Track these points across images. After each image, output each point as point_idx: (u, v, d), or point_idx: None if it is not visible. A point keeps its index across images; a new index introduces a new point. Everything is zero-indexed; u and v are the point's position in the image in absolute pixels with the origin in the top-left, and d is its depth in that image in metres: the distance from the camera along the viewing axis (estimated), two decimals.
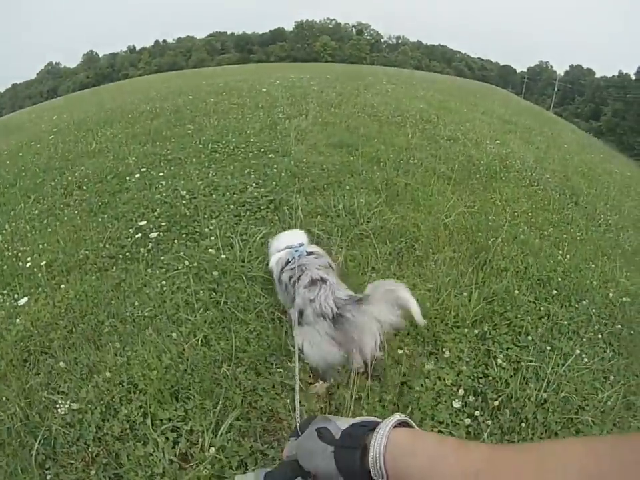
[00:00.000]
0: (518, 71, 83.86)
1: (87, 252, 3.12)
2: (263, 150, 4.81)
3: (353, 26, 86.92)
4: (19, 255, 3.29)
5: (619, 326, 2.65)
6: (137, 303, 2.47)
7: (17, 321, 2.49)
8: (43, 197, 4.44)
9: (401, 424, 0.60)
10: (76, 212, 3.87)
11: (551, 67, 79.42)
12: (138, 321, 2.34)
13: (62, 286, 2.77)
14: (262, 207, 3.50)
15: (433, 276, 2.76)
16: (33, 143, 7.21)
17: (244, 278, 2.59)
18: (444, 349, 2.17)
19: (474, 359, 2.17)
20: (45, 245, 3.35)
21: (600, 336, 2.52)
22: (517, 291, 2.69)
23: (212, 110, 7.18)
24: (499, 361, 2.15)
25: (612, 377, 2.23)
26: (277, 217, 3.34)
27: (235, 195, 3.70)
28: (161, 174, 4.34)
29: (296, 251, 2.05)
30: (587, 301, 2.79)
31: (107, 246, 3.17)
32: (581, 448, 0.42)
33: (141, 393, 1.87)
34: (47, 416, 1.82)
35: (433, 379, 2.01)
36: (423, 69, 58.10)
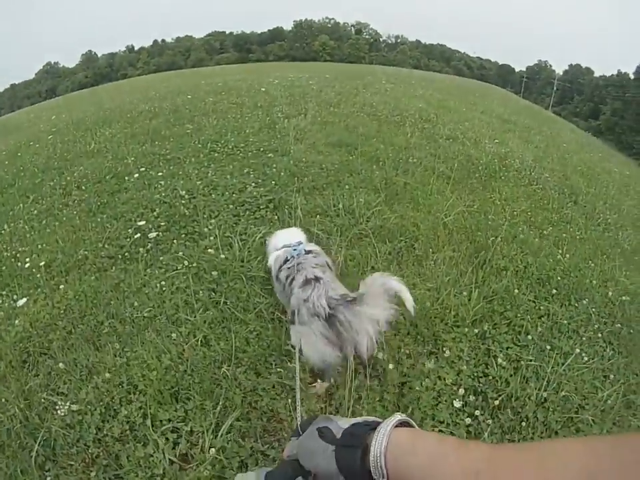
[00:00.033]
0: (517, 70, 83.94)
1: (86, 252, 3.11)
2: (262, 149, 4.80)
3: (351, 25, 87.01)
4: (18, 255, 3.28)
5: (619, 325, 2.65)
6: (136, 304, 2.47)
7: (16, 322, 2.48)
8: (41, 197, 4.43)
9: (402, 424, 0.60)
10: (75, 212, 3.86)
11: (550, 66, 79.53)
12: (137, 322, 2.34)
13: (61, 286, 2.77)
14: (261, 207, 3.50)
15: (432, 275, 2.76)
16: (31, 143, 7.19)
17: (243, 278, 2.59)
18: (444, 348, 2.17)
19: (474, 358, 2.17)
20: (44, 245, 3.34)
21: (600, 335, 2.53)
22: (516, 290, 2.69)
23: (211, 109, 7.17)
24: (499, 360, 2.14)
25: (612, 376, 2.23)
26: (276, 217, 3.34)
27: (234, 195, 3.69)
28: (159, 174, 4.33)
29: (294, 249, 2.04)
30: (586, 300, 2.80)
31: (106, 246, 3.16)
32: (582, 447, 0.41)
33: (141, 394, 1.87)
34: (47, 417, 1.82)
35: (433, 378, 2.01)
36: (421, 68, 58.05)
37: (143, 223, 3.35)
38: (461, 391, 1.94)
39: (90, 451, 1.67)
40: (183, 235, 3.15)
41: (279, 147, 4.84)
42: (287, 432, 1.74)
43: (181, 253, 2.89)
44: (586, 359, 2.28)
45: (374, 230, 3.16)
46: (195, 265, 2.75)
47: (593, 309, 2.72)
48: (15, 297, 2.76)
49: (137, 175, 4.36)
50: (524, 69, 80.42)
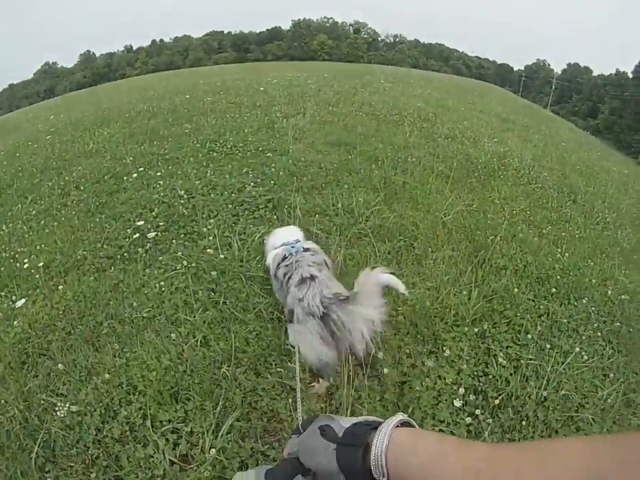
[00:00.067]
0: (515, 69, 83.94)
1: (84, 252, 3.11)
2: (260, 149, 4.80)
3: (350, 24, 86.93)
4: (17, 256, 3.27)
5: (618, 324, 2.65)
6: (135, 304, 2.46)
7: (15, 323, 2.47)
8: (40, 198, 4.42)
9: (403, 424, 0.60)
10: (73, 212, 3.85)
11: (549, 65, 79.43)
12: (136, 322, 2.33)
13: (60, 287, 2.76)
14: (260, 206, 3.49)
15: (432, 274, 2.76)
16: (30, 143, 7.17)
17: (243, 278, 2.59)
18: (444, 348, 2.17)
19: (474, 358, 2.17)
20: (43, 245, 3.33)
21: (599, 334, 2.53)
22: (516, 289, 2.69)
23: (209, 109, 7.16)
24: (499, 359, 2.15)
25: (611, 375, 2.23)
26: (275, 216, 3.33)
27: (233, 194, 3.69)
28: (158, 173, 4.32)
29: (292, 247, 2.05)
30: (586, 298, 2.80)
31: (105, 246, 3.16)
32: (582, 447, 0.42)
33: (141, 395, 1.87)
34: (46, 418, 1.81)
35: (433, 377, 2.01)
36: (420, 67, 57.99)
37: (141, 223, 3.34)
38: (461, 390, 1.94)
39: (90, 452, 1.67)
40: (182, 235, 3.15)
41: (278, 147, 4.84)
42: (287, 432, 1.74)
43: (179, 253, 2.88)
44: (586, 357, 2.28)
45: (373, 229, 3.16)
46: (194, 264, 2.74)
47: (593, 308, 2.73)
48: (13, 297, 2.75)
49: (135, 175, 4.35)
50: (522, 68, 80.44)
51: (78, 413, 1.82)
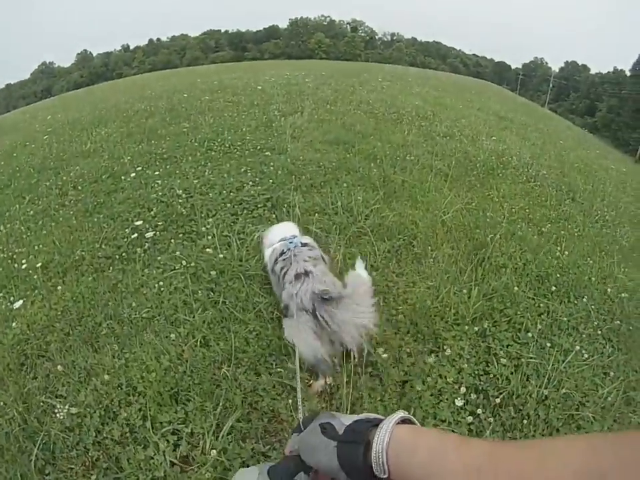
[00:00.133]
0: (513, 67, 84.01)
1: (83, 253, 3.09)
2: (259, 148, 4.79)
3: (347, 23, 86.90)
4: (14, 256, 3.25)
5: (618, 322, 2.65)
6: (134, 304, 2.45)
7: (13, 324, 2.46)
8: (37, 198, 4.40)
9: (404, 421, 0.60)
10: (71, 212, 3.83)
11: (546, 63, 79.55)
12: (136, 323, 2.32)
13: (58, 288, 2.74)
14: (259, 205, 3.49)
15: (432, 273, 2.76)
16: (27, 143, 7.14)
17: (242, 277, 2.57)
18: (445, 347, 2.16)
19: (475, 357, 2.16)
20: (41, 246, 3.32)
21: (599, 332, 2.52)
22: (516, 288, 2.68)
23: (207, 108, 7.15)
24: (500, 358, 2.14)
25: (612, 373, 2.23)
26: (274, 215, 3.32)
27: (231, 193, 3.68)
28: (156, 173, 4.31)
29: (290, 242, 2.05)
30: (585, 297, 2.79)
31: (103, 246, 3.14)
32: (583, 445, 0.41)
33: (140, 396, 1.86)
34: (46, 420, 1.80)
35: (434, 377, 2.00)
36: (417, 65, 57.94)
37: (140, 222, 3.33)
38: (462, 389, 1.94)
39: (90, 454, 1.66)
40: (181, 235, 3.14)
41: (276, 145, 4.83)
42: (288, 433, 1.73)
43: (178, 253, 2.87)
44: (586, 356, 2.28)
45: (372, 228, 3.16)
46: (192, 264, 2.73)
47: (592, 306, 2.72)
48: (11, 298, 2.74)
49: (133, 175, 4.34)
50: (520, 67, 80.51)
51: (77, 414, 1.81)
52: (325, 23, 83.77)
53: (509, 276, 2.79)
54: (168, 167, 4.48)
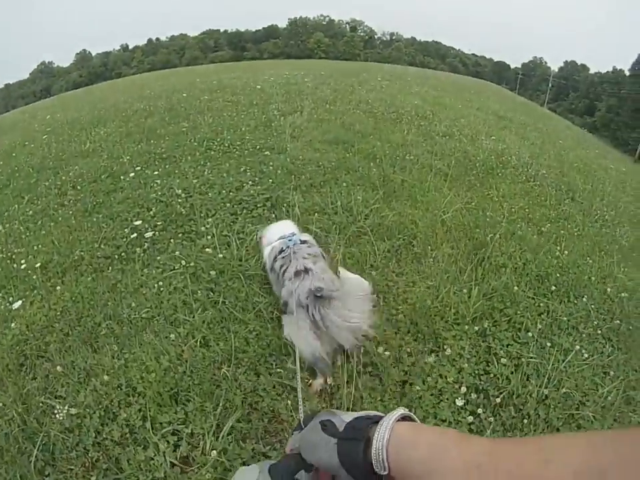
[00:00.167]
0: (512, 67, 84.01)
1: (82, 253, 3.09)
2: (258, 147, 4.78)
3: (346, 22, 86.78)
4: (13, 257, 3.25)
5: (618, 321, 2.65)
6: (133, 304, 2.44)
7: (12, 324, 2.45)
8: (36, 198, 4.39)
9: (404, 418, 0.60)
10: (70, 212, 3.82)
11: (545, 63, 79.51)
12: (135, 323, 2.31)
13: (57, 288, 2.74)
14: (258, 205, 3.48)
15: (432, 273, 2.75)
16: (26, 143, 7.13)
17: (242, 277, 2.57)
18: (445, 346, 2.16)
19: (475, 356, 2.16)
20: (40, 246, 3.31)
21: (599, 331, 2.52)
22: (516, 287, 2.68)
23: (206, 107, 7.14)
24: (500, 358, 2.14)
25: (612, 373, 2.23)
26: (273, 215, 3.32)
27: (230, 193, 3.67)
28: (155, 172, 4.30)
29: (289, 240, 2.05)
30: (585, 296, 2.79)
31: (102, 246, 3.14)
32: (583, 442, 0.41)
33: (140, 396, 1.85)
34: (45, 421, 1.80)
35: (434, 376, 2.00)
36: (417, 65, 57.94)
37: (139, 222, 3.32)
38: (463, 389, 1.94)
39: (90, 454, 1.65)
40: (180, 234, 3.13)
41: (275, 145, 4.83)
42: (288, 433, 1.73)
43: (178, 253, 2.86)
44: (586, 355, 2.28)
45: (372, 227, 3.15)
46: (192, 264, 2.72)
47: (592, 306, 2.72)
48: (10, 299, 2.73)
49: (132, 174, 4.33)
50: (519, 66, 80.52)
51: (77, 415, 1.80)
52: (324, 23, 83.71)
53: (509, 275, 2.79)
54: (167, 166, 4.47)
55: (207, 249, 2.86)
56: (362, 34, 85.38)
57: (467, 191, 4.20)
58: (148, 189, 3.92)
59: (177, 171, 4.27)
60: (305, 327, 1.72)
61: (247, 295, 2.44)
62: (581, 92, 58.98)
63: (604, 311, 2.74)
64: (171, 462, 1.60)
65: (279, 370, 1.99)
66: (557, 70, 71.11)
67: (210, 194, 3.67)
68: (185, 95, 8.74)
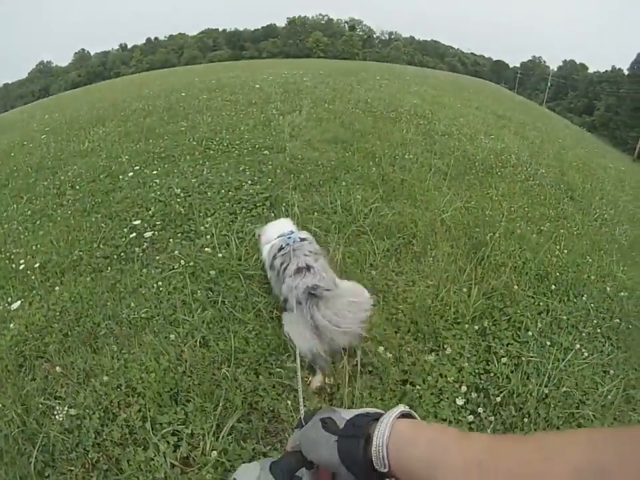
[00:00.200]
0: (511, 66, 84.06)
1: (80, 253, 3.08)
2: (257, 146, 4.78)
3: (345, 22, 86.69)
4: (12, 257, 3.24)
5: (617, 320, 2.66)
6: (133, 304, 2.44)
7: (11, 325, 2.44)
8: (35, 197, 4.38)
9: (404, 415, 0.60)
10: (69, 212, 3.81)
11: (544, 62, 79.66)
12: (134, 323, 2.31)
13: (56, 288, 2.73)
14: (258, 204, 3.48)
15: (431, 272, 2.75)
16: (25, 143, 7.12)
17: (241, 276, 2.57)
18: (445, 346, 2.16)
19: (475, 355, 2.17)
20: (38, 246, 3.30)
21: (599, 330, 2.53)
22: (515, 286, 2.68)
23: (205, 107, 7.13)
24: (500, 357, 2.14)
25: (611, 371, 2.24)
26: (273, 214, 3.31)
27: (230, 193, 3.67)
28: (154, 172, 4.30)
29: (288, 237, 2.05)
30: (585, 295, 2.80)
31: (101, 246, 3.13)
32: (583, 440, 0.41)
33: (140, 397, 1.85)
34: (45, 422, 1.79)
35: (434, 376, 2.00)
36: (415, 64, 57.97)
37: (138, 222, 3.32)
38: (463, 388, 1.94)
39: (89, 455, 1.65)
40: (179, 234, 3.12)
41: (274, 144, 4.82)
42: (288, 432, 1.73)
43: (177, 252, 2.86)
44: (586, 354, 2.28)
45: (372, 227, 3.15)
46: (191, 264, 2.72)
47: (592, 305, 2.73)
48: (9, 299, 2.72)
49: (131, 174, 4.32)
50: (518, 65, 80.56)
51: (77, 416, 1.80)
52: (323, 22, 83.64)
53: (509, 275, 2.79)
54: (166, 166, 4.46)
55: (206, 249, 2.85)
56: (361, 33, 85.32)
57: (467, 190, 4.20)
58: (147, 189, 3.91)
59: (175, 171, 4.26)
60: (303, 324, 1.72)
61: (247, 295, 2.44)
62: (580, 91, 59.01)
63: (603, 310, 2.75)
64: (171, 462, 1.59)
65: (278, 370, 1.99)
66: (555, 69, 71.29)
67: (209, 193, 3.67)
68: (183, 94, 8.72)
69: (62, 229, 3.50)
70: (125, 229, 3.27)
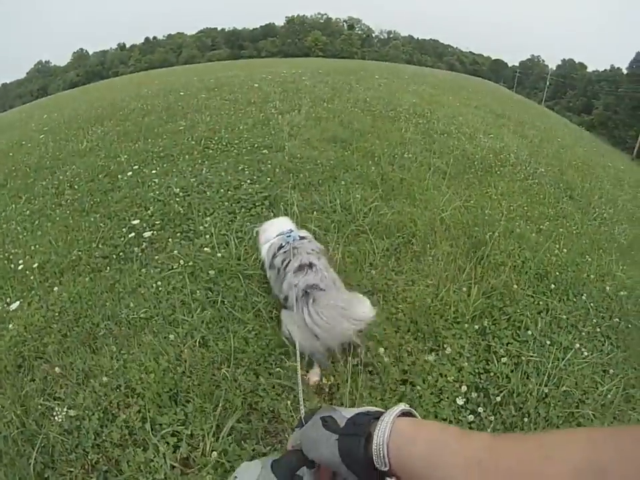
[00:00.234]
0: (510, 65, 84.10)
1: (79, 253, 3.07)
2: (256, 145, 4.77)
3: (344, 21, 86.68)
4: (11, 257, 3.23)
5: (617, 319, 2.66)
6: (132, 304, 2.43)
7: (10, 326, 2.43)
8: (34, 197, 4.37)
9: (405, 414, 0.60)
10: (68, 212, 3.80)
11: (543, 61, 79.77)
12: (134, 323, 2.30)
13: (55, 288, 2.72)
14: (257, 204, 3.47)
15: (431, 271, 2.75)
16: (23, 143, 7.10)
17: (240, 276, 2.56)
18: (445, 345, 2.16)
19: (475, 355, 2.16)
20: (37, 246, 3.29)
21: (598, 329, 2.53)
22: (515, 286, 2.68)
23: (204, 106, 7.12)
24: (500, 356, 2.14)
25: (611, 371, 2.24)
26: (272, 214, 3.30)
27: (229, 192, 3.66)
28: (153, 171, 4.29)
29: (288, 236, 2.05)
30: (584, 294, 2.80)
31: (100, 246, 3.12)
32: (583, 439, 0.41)
33: (139, 397, 1.84)
34: (44, 423, 1.78)
35: (434, 375, 2.00)
36: (414, 63, 58.06)
37: (137, 221, 3.31)
38: (463, 388, 1.93)
39: (89, 456, 1.64)
40: (178, 234, 3.12)
41: (273, 143, 4.81)
42: (288, 433, 1.72)
43: (176, 252, 2.85)
44: (585, 353, 2.28)
45: (371, 226, 3.15)
46: (190, 263, 2.71)
47: (591, 304, 2.73)
48: (8, 300, 2.71)
49: (130, 173, 4.32)
50: (517, 64, 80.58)
51: (76, 417, 1.79)
52: (322, 21, 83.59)
53: (508, 274, 2.78)
54: (165, 165, 4.45)
55: (205, 248, 2.85)
56: (359, 32, 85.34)
57: (466, 189, 4.20)
58: (146, 188, 3.90)
59: (174, 170, 4.25)
60: (300, 320, 1.72)
61: (246, 294, 2.44)
62: (579, 90, 59.03)
63: (603, 309, 2.75)
64: (171, 463, 1.59)
65: (278, 370, 1.98)
66: (554, 68, 71.27)
67: (208, 193, 3.66)
68: (182, 93, 8.71)
69: (61, 229, 3.49)
70: (123, 229, 3.26)
